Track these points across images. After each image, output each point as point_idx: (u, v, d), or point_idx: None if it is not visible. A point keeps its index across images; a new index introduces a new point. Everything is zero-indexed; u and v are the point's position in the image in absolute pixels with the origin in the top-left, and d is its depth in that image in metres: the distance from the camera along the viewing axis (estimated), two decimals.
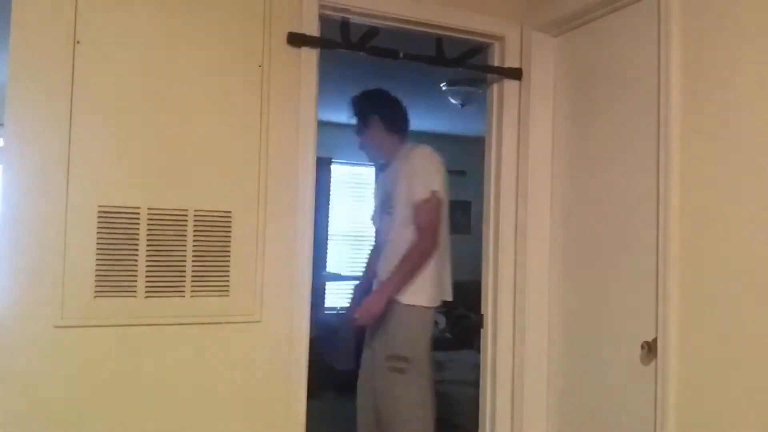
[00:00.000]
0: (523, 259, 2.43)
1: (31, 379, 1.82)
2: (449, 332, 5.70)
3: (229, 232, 2.03)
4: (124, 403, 1.92)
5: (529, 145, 2.43)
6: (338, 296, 6.05)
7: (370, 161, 2.82)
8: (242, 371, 2.05)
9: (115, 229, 1.90)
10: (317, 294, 4.72)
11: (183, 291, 1.97)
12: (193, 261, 1.98)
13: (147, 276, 1.92)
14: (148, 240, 1.93)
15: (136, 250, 1.92)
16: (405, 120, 2.71)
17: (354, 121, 2.68)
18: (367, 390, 2.54)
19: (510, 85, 2.48)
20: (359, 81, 2.62)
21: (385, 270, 2.54)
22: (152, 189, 1.95)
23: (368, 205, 3.00)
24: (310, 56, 2.15)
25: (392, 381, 2.46)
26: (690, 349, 1.77)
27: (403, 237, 2.50)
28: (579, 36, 2.34)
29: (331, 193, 5.96)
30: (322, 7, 2.18)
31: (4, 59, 1.90)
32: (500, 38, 2.50)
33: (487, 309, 2.51)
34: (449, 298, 2.60)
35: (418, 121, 6.44)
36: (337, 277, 5.89)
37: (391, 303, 2.47)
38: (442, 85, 4.44)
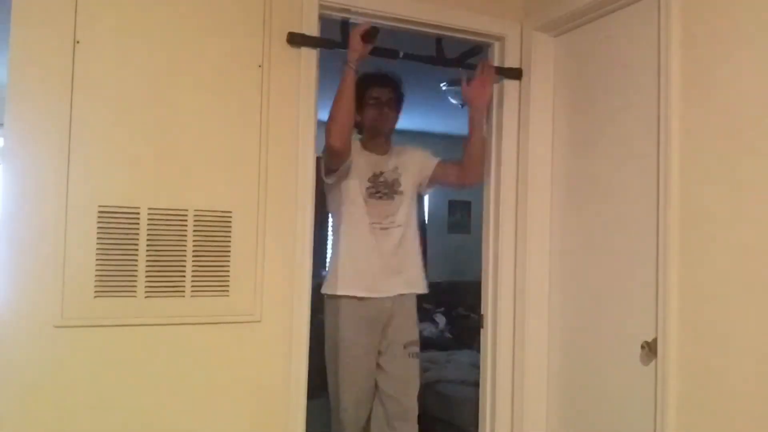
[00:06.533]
0: (523, 259, 2.43)
1: (30, 379, 1.82)
2: (449, 332, 5.70)
3: (229, 232, 2.03)
4: (124, 403, 1.92)
5: (529, 145, 2.43)
6: None
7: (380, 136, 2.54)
8: (242, 371, 2.05)
9: (115, 229, 1.90)
10: (317, 294, 4.72)
11: (183, 291, 1.97)
12: (193, 261, 1.98)
13: (147, 276, 1.92)
14: (148, 240, 1.93)
15: (136, 250, 1.92)
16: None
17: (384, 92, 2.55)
18: (368, 380, 2.49)
19: (510, 85, 2.48)
20: (359, 80, 2.60)
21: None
22: (152, 189, 1.95)
23: None
24: (310, 56, 2.15)
25: (412, 366, 2.53)
26: (690, 349, 1.77)
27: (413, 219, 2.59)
28: (579, 36, 2.34)
29: None
30: (322, 7, 2.18)
31: (4, 59, 1.90)
32: (500, 38, 2.50)
33: (487, 309, 2.51)
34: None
35: (418, 121, 6.45)
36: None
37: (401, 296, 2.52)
38: (442, 85, 4.44)
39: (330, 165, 2.40)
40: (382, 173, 2.51)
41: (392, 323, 2.49)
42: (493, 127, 2.53)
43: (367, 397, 2.48)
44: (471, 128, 2.47)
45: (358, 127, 2.53)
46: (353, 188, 2.44)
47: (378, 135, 2.56)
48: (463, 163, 2.52)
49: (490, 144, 2.55)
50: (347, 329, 2.44)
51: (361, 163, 2.46)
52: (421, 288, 2.59)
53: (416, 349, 2.55)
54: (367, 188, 2.47)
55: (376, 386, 2.50)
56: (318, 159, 2.24)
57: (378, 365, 2.49)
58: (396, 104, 2.60)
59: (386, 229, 2.47)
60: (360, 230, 2.45)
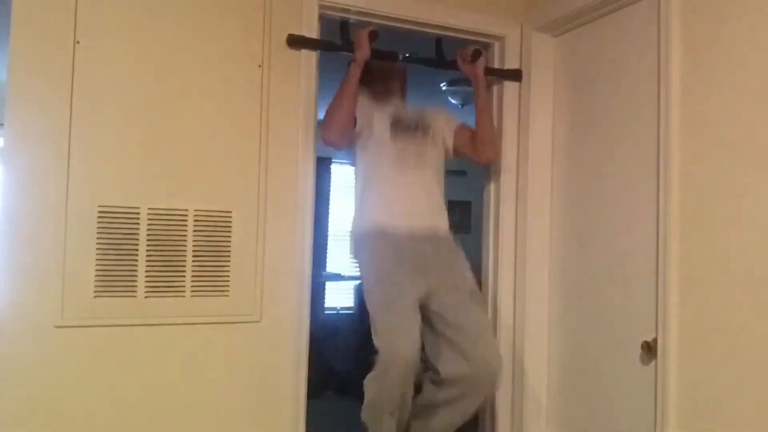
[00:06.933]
0: (523, 259, 2.43)
1: (31, 379, 1.82)
2: None
3: (229, 232, 2.03)
4: (124, 403, 1.92)
5: (529, 145, 2.43)
6: (338, 296, 6.05)
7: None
8: (242, 371, 2.05)
9: (115, 229, 1.90)
10: (317, 294, 4.73)
11: (183, 291, 1.97)
12: (193, 261, 1.98)
13: (147, 276, 1.92)
14: (148, 240, 1.93)
15: (136, 250, 1.92)
16: None
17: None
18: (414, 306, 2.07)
19: (510, 86, 2.49)
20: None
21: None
22: (152, 189, 1.95)
23: None
24: (309, 57, 2.16)
25: (477, 308, 2.19)
26: (690, 349, 1.77)
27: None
28: (579, 36, 2.34)
29: (331, 193, 5.96)
30: (322, 7, 2.18)
31: (4, 59, 1.90)
32: (500, 38, 2.50)
33: (487, 309, 2.51)
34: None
35: None
36: (337, 277, 5.88)
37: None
38: (442, 85, 4.44)
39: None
40: (403, 118, 2.30)
41: (440, 270, 2.17)
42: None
43: (415, 325, 2.02)
44: (474, 100, 2.36)
45: (369, 85, 2.32)
46: (375, 133, 2.24)
47: (389, 80, 2.37)
48: (476, 139, 2.34)
49: None
50: (383, 258, 2.13)
51: (379, 113, 2.27)
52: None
53: (477, 294, 2.22)
54: (390, 131, 2.25)
55: (433, 329, 2.14)
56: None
57: (430, 312, 2.11)
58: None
59: (419, 168, 2.25)
60: (388, 167, 2.22)
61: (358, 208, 2.26)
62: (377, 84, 2.36)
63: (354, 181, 2.32)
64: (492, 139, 2.35)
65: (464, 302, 2.15)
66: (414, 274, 2.12)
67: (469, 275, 2.23)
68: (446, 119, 2.39)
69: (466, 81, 3.31)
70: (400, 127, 2.28)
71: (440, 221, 2.27)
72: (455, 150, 2.39)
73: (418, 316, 2.06)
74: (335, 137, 2.14)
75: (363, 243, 2.21)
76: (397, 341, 1.97)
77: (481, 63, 2.34)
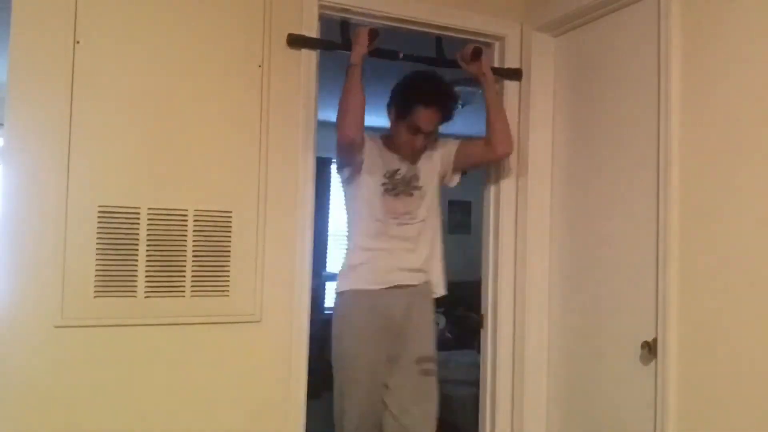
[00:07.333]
0: (523, 259, 2.43)
1: (31, 379, 1.82)
2: (449, 332, 5.70)
3: (229, 232, 2.03)
4: (124, 403, 1.92)
5: (529, 145, 2.43)
6: None
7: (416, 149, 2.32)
8: (242, 371, 2.05)
9: (115, 229, 1.90)
10: (317, 294, 4.73)
11: (183, 291, 1.97)
12: (193, 261, 1.98)
13: (147, 276, 1.92)
14: (148, 240, 1.93)
15: (136, 250, 1.92)
16: None
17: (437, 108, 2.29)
18: (376, 389, 2.25)
19: (510, 86, 2.48)
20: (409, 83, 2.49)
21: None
22: (152, 189, 1.95)
23: None
24: (310, 56, 2.15)
25: (425, 383, 2.31)
26: (690, 349, 1.77)
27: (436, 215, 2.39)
28: (579, 36, 2.34)
29: (331, 193, 5.96)
30: (321, 7, 2.18)
31: (4, 59, 1.90)
32: (500, 38, 2.50)
33: (487, 309, 2.51)
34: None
35: None
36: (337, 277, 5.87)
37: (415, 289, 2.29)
38: None
39: (341, 160, 2.28)
40: (398, 170, 2.29)
41: (406, 332, 2.26)
42: None
43: (374, 410, 2.25)
44: (485, 97, 2.35)
45: (399, 125, 2.30)
46: (368, 185, 2.26)
47: (417, 138, 2.30)
48: (488, 135, 2.33)
49: None
50: (357, 329, 2.24)
51: (379, 161, 2.28)
52: (440, 289, 2.36)
53: (432, 366, 2.32)
54: (383, 184, 2.26)
55: (384, 404, 2.27)
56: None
57: (386, 386, 2.26)
58: (440, 120, 2.32)
59: (403, 225, 2.28)
60: (373, 225, 2.26)
61: (344, 260, 2.33)
62: (406, 133, 2.28)
63: (346, 225, 2.37)
64: (508, 132, 2.35)
65: (416, 386, 2.29)
66: (381, 333, 2.23)
67: (431, 347, 2.35)
68: (443, 147, 2.39)
69: (466, 81, 3.29)
70: (391, 182, 2.29)
71: (419, 276, 2.31)
72: (459, 166, 2.40)
73: (379, 402, 2.26)
74: (351, 131, 2.09)
75: (338, 301, 2.31)
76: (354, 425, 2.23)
77: (486, 60, 2.34)
